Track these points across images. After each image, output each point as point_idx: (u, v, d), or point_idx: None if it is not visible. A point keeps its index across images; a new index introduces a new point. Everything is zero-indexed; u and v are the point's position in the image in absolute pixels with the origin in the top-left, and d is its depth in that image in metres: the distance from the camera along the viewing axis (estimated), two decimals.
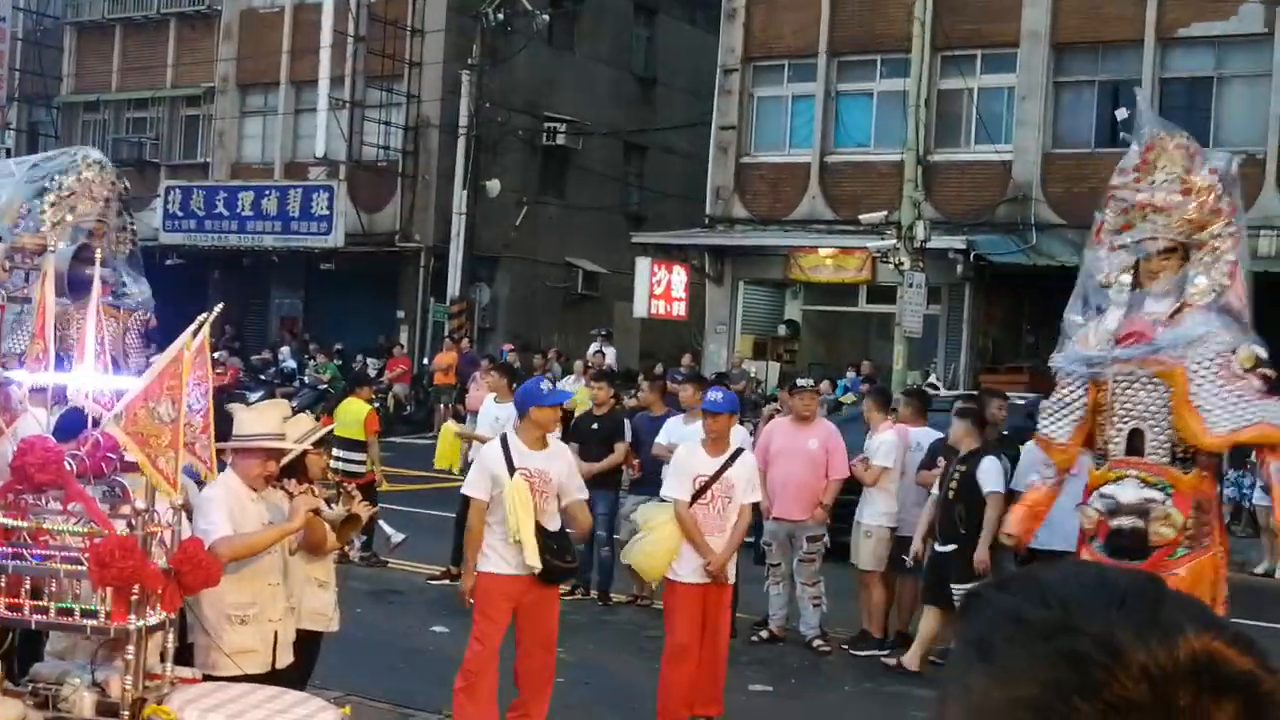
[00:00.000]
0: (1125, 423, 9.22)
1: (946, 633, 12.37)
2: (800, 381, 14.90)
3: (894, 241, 26.84)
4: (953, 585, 12.21)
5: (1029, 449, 11.57)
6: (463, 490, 10.25)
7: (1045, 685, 1.27)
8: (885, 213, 27.52)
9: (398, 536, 10.97)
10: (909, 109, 27.76)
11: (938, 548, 12.79)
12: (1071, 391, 9.46)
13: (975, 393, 17.92)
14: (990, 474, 12.54)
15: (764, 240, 31.80)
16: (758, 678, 12.52)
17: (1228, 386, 8.93)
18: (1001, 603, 1.37)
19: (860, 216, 28.08)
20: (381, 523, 10.05)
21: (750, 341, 32.86)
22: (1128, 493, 9.05)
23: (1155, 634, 1.28)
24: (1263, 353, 8.99)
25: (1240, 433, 8.98)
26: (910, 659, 12.86)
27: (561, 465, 10.09)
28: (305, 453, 8.82)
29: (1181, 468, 9.13)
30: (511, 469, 9.74)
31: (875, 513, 13.80)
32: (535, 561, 9.59)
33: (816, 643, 13.66)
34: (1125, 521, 9.04)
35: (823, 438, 13.81)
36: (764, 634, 13.87)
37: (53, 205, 10.16)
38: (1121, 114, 25.90)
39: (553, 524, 9.93)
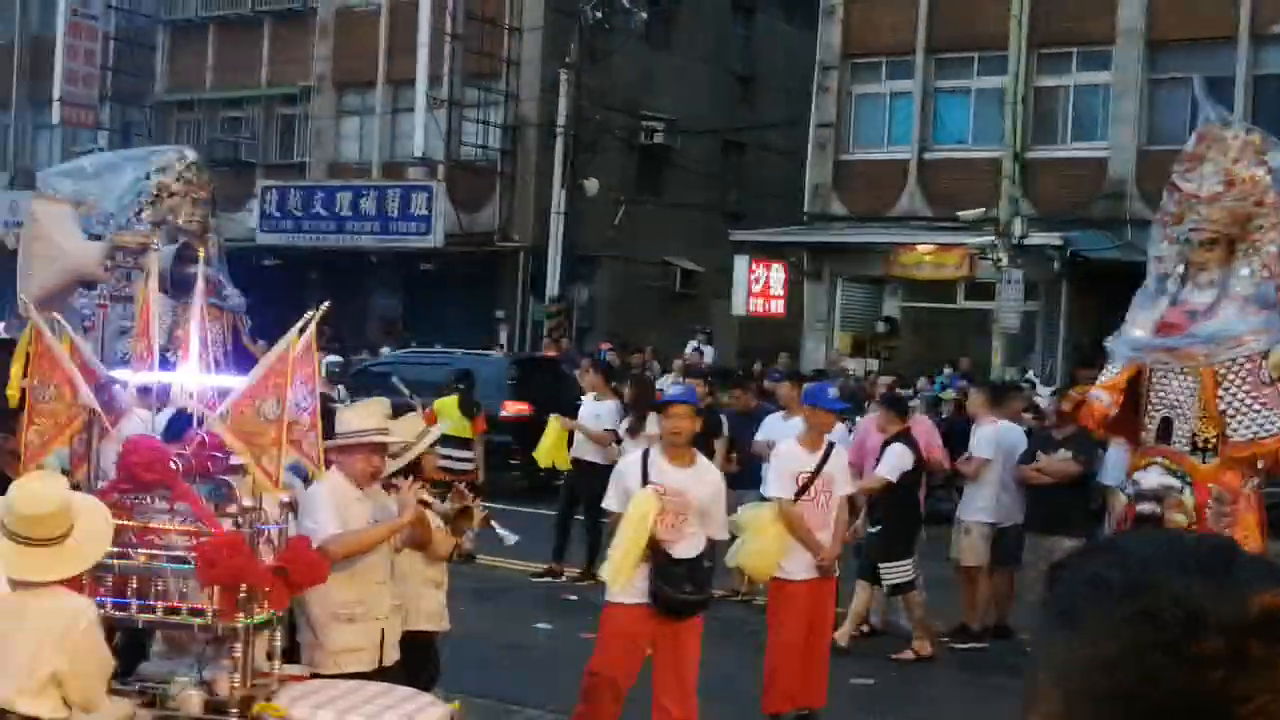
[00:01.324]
0: (1158, 411, 9.41)
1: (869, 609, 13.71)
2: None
3: (992, 238, 26.79)
4: (880, 565, 13.22)
5: (1115, 447, 11.90)
6: (604, 503, 9.87)
7: (1126, 644, 1.34)
8: (983, 209, 27.37)
9: (511, 538, 10.89)
10: (1006, 106, 27.79)
11: (869, 529, 13.36)
12: (1117, 369, 9.68)
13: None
14: (887, 459, 13.00)
15: (862, 237, 31.69)
16: (859, 670, 12.54)
17: (1254, 394, 9.07)
18: (1083, 570, 1.43)
19: (958, 213, 27.92)
20: (494, 523, 9.95)
21: (849, 339, 32.72)
22: (1150, 478, 9.24)
23: (1228, 591, 1.34)
24: None
25: (1263, 443, 9.15)
26: (840, 634, 12.92)
27: (705, 489, 9.46)
28: (421, 453, 8.87)
29: (1201, 458, 9.27)
30: (645, 482, 9.22)
31: (975, 509, 14.01)
32: (639, 584, 9.06)
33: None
34: (1146, 507, 9.19)
35: (920, 435, 13.85)
36: (865, 628, 13.80)
37: (152, 205, 10.21)
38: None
39: (683, 549, 9.22)
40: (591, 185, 35.25)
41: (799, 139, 33.76)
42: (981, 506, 13.87)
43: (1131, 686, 1.32)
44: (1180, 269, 9.45)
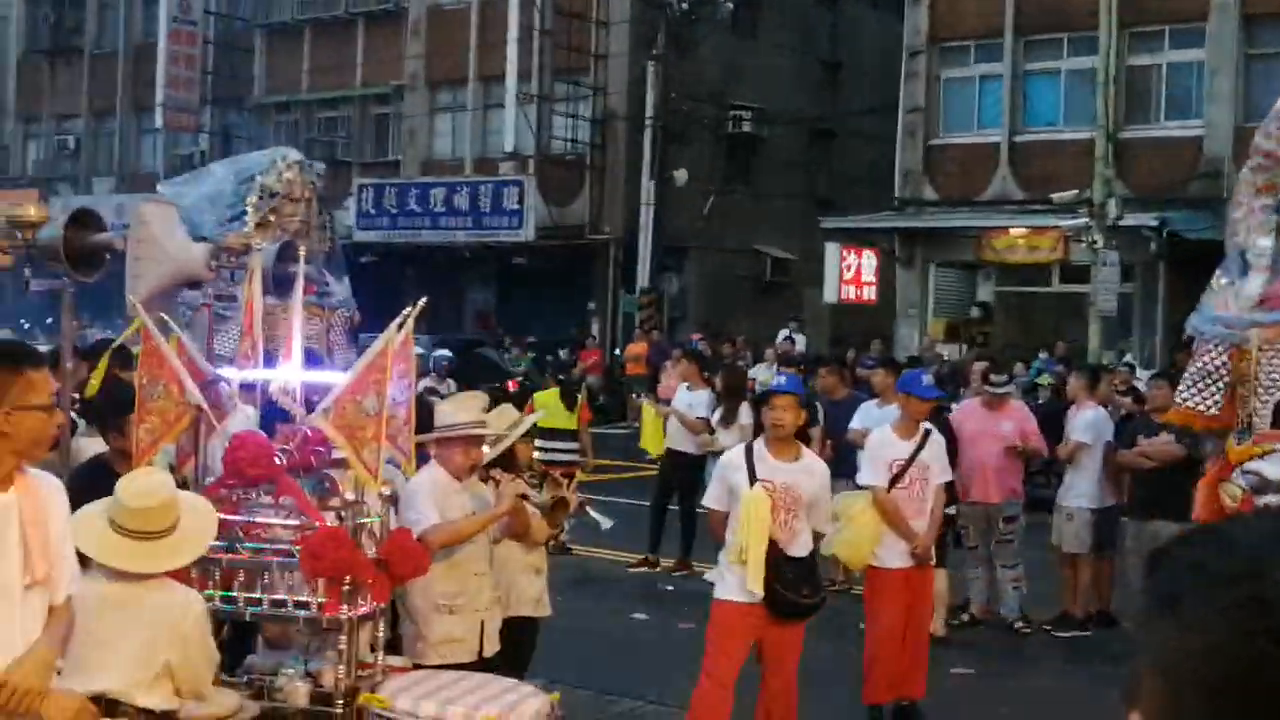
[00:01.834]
0: (1271, 393, 8.50)
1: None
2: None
3: (1086, 220, 26.51)
4: None
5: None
6: (703, 502, 9.47)
7: (1233, 631, 1.32)
8: (1076, 191, 27.10)
9: (607, 523, 10.97)
10: (1098, 86, 27.47)
11: None
12: (1214, 358, 8.70)
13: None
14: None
15: (954, 222, 31.56)
16: (960, 660, 12.45)
17: None
18: (1185, 556, 1.42)
19: (1051, 195, 27.66)
20: (590, 509, 10.01)
21: (942, 324, 32.53)
22: (1275, 468, 8.31)
23: None
24: None
25: None
26: (934, 625, 12.75)
27: (814, 482, 9.15)
28: (514, 443, 8.96)
29: None
30: (753, 479, 8.85)
31: (1076, 494, 13.87)
32: (757, 587, 8.69)
33: (1018, 625, 13.55)
34: (1273, 499, 8.27)
35: (1017, 420, 13.78)
36: (965, 617, 13.77)
37: (254, 207, 10.39)
38: None
39: (796, 548, 8.98)
40: (680, 176, 35.29)
41: (888, 124, 33.61)
42: (1083, 492, 13.75)
43: (1239, 674, 1.31)
44: (1267, 241, 8.67)
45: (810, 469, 9.17)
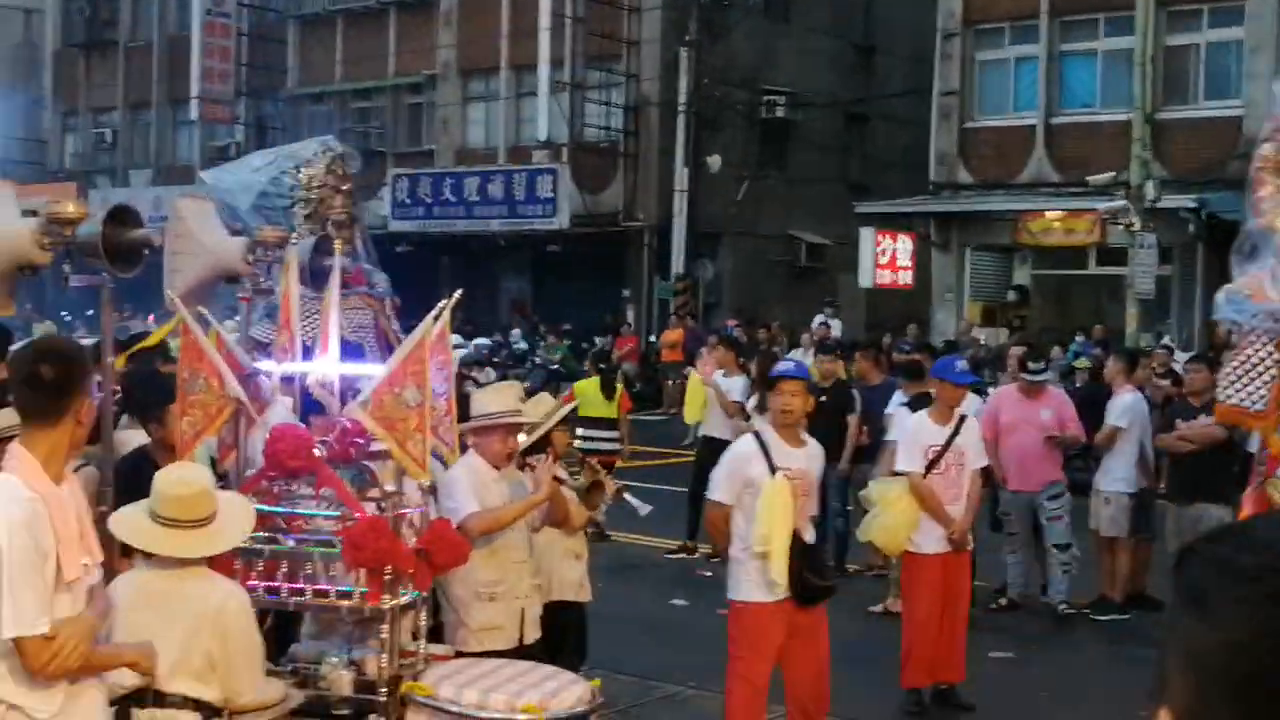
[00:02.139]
0: None
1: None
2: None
3: (1123, 202, 26.39)
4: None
5: None
6: (711, 495, 8.94)
7: (1259, 628, 1.31)
8: (1113, 173, 26.97)
9: (645, 509, 11.02)
10: (1135, 67, 27.29)
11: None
12: (1257, 350, 8.13)
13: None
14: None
15: (990, 205, 31.42)
16: (998, 644, 12.46)
17: None
18: (1212, 553, 1.41)
19: (1088, 178, 27.52)
20: (627, 495, 10.01)
21: (979, 308, 32.47)
22: None
23: None
24: None
25: None
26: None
27: (819, 468, 9.02)
28: (551, 431, 9.01)
29: None
30: (773, 468, 8.49)
31: (1113, 479, 13.84)
32: (781, 579, 8.39)
33: (1062, 607, 13.48)
34: None
35: (1055, 407, 13.71)
36: (1002, 601, 13.76)
37: (304, 199, 10.51)
38: None
39: (810, 534, 8.78)
40: (714, 162, 35.28)
41: (922, 108, 33.52)
42: (1120, 476, 13.71)
43: (1265, 671, 1.30)
44: None
45: (815, 455, 8.94)
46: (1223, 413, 8.48)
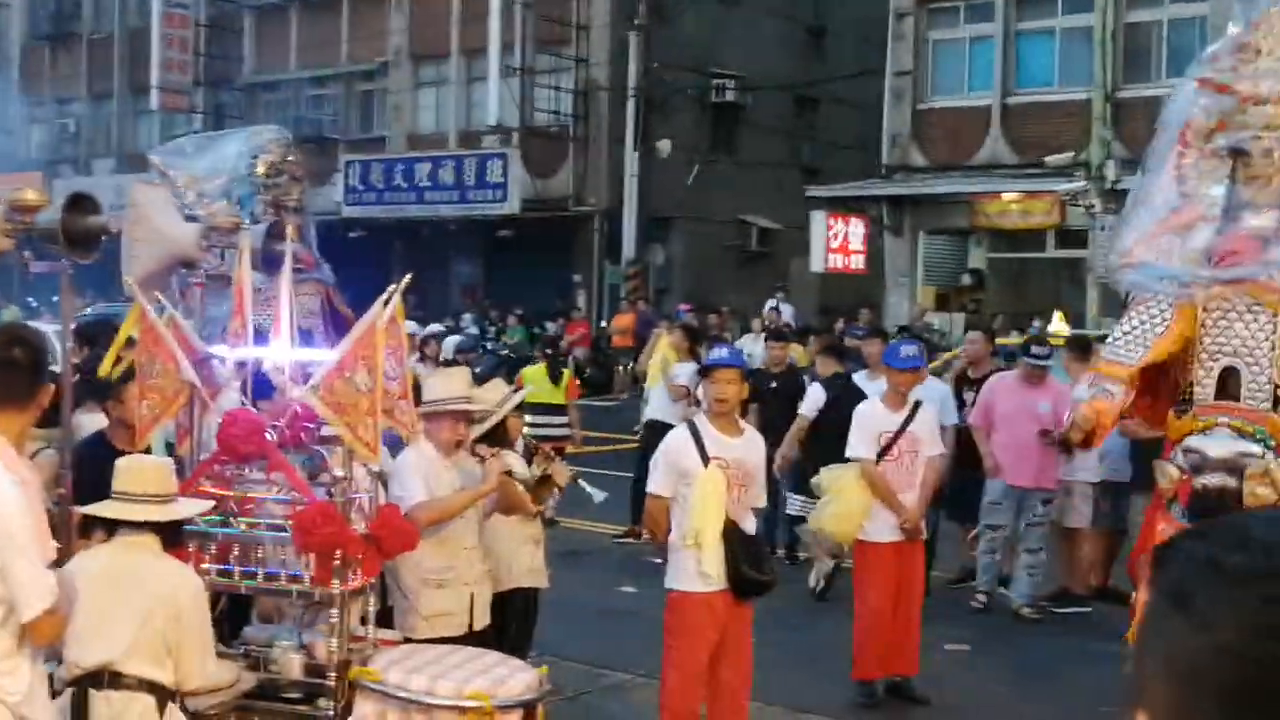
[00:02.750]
0: (1216, 360, 7.56)
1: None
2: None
3: (1083, 183, 26.19)
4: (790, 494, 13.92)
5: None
6: (649, 489, 8.75)
7: (1247, 631, 1.27)
8: (1072, 154, 26.88)
9: (599, 495, 11.03)
10: (1095, 45, 27.04)
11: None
12: (1156, 314, 7.76)
13: None
14: (806, 397, 14.04)
15: (944, 188, 31.23)
16: (954, 636, 12.33)
17: None
18: (1197, 551, 1.36)
19: (1046, 159, 27.47)
20: (582, 481, 9.99)
21: (933, 293, 32.44)
22: (1217, 445, 7.41)
23: None
24: None
25: None
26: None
27: (757, 456, 8.75)
28: (506, 417, 9.01)
29: None
30: (705, 458, 8.36)
31: (1076, 468, 13.34)
32: (714, 569, 8.30)
33: (1025, 610, 13.19)
34: (1212, 480, 7.42)
35: (1054, 401, 12.97)
36: (981, 599, 13.54)
37: (267, 187, 10.59)
38: None
39: (749, 525, 8.61)
40: (664, 146, 35.27)
41: (874, 90, 33.36)
42: (1084, 466, 13.22)
43: (1254, 675, 1.27)
44: (1218, 190, 7.68)
45: (753, 443, 8.78)
46: (1104, 365, 8.07)
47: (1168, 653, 1.34)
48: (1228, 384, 7.53)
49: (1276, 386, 7.41)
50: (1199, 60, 8.07)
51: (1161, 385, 8.01)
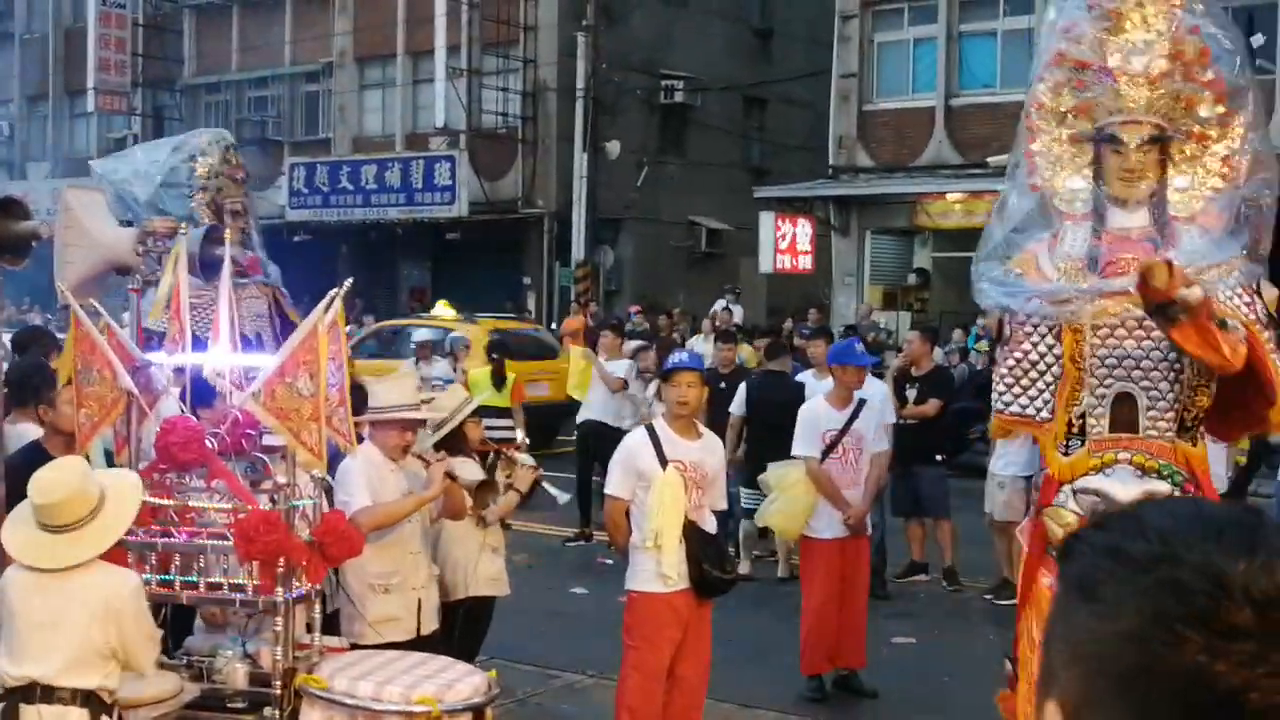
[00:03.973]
0: (1107, 386, 6.49)
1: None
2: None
3: None
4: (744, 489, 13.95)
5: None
6: (607, 490, 8.80)
7: (1150, 616, 1.30)
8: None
9: (563, 497, 11.02)
10: (1035, 46, 27.17)
11: None
12: (1037, 343, 6.68)
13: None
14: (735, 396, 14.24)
15: (890, 188, 31.41)
16: (900, 630, 12.50)
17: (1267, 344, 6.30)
18: (1099, 541, 1.39)
19: (989, 159, 27.61)
20: (545, 484, 9.94)
21: (879, 292, 32.59)
22: (1122, 487, 6.33)
23: (1255, 560, 1.30)
24: (1275, 290, 6.78)
25: None
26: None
27: (715, 460, 8.73)
28: (463, 423, 8.98)
29: (1189, 440, 6.48)
30: (663, 461, 8.39)
31: (1007, 462, 13.54)
32: (673, 571, 8.29)
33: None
34: None
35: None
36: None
37: (203, 189, 10.53)
38: (1257, 40, 25.30)
39: (708, 526, 8.61)
40: (613, 148, 35.26)
41: (821, 91, 33.52)
42: (1014, 460, 13.40)
43: (1155, 660, 1.29)
44: (1082, 183, 6.76)
45: (711, 447, 8.75)
46: (1001, 423, 7.01)
47: (1074, 640, 1.37)
48: (1122, 411, 6.49)
49: (1182, 410, 6.44)
50: (1051, 30, 7.07)
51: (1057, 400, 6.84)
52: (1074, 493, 6.51)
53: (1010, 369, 6.78)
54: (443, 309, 25.60)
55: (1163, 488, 6.31)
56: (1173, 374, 6.39)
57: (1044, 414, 6.67)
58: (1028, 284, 6.59)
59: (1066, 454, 6.64)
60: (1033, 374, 6.70)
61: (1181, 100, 6.53)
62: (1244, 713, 1.27)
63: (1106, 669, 1.33)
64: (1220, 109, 6.56)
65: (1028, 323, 6.69)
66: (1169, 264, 5.69)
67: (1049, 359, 6.64)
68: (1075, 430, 6.62)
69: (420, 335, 22.49)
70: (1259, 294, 6.46)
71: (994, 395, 6.89)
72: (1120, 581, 1.34)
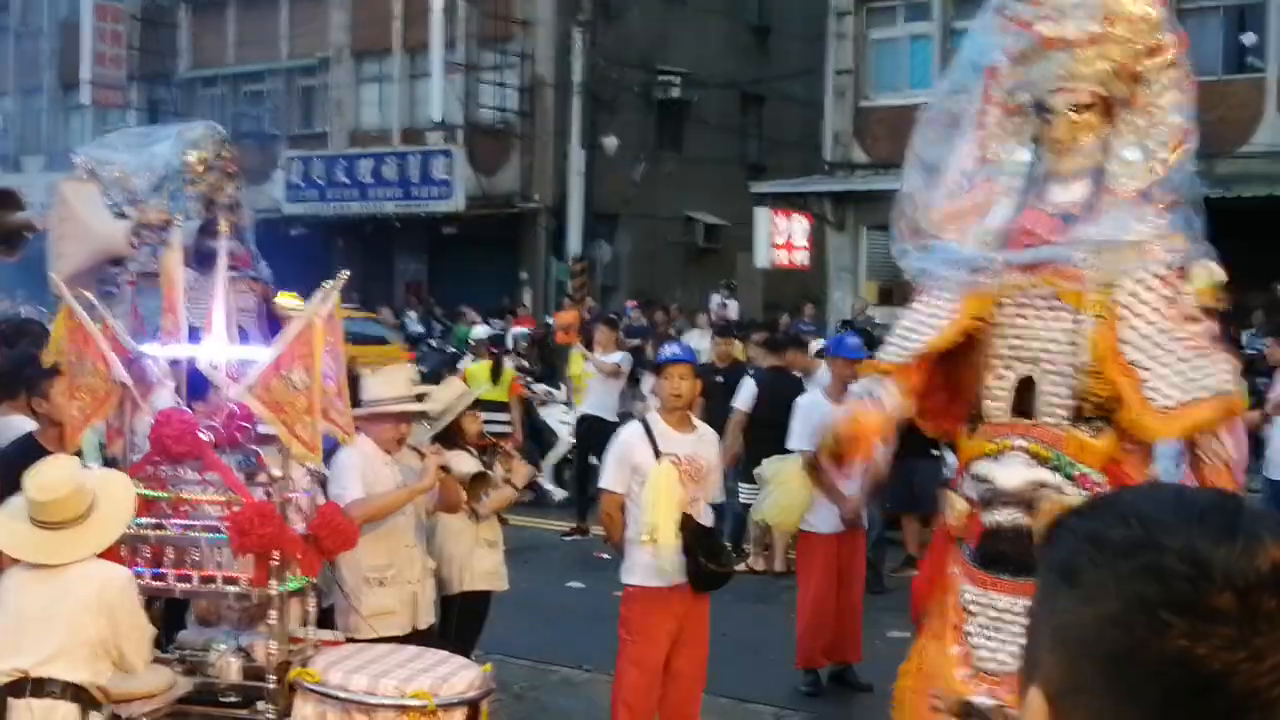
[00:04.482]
0: (1010, 368, 6.20)
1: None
2: None
3: None
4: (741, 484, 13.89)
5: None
6: (601, 484, 8.84)
7: (1131, 601, 1.32)
8: None
9: (559, 493, 11.05)
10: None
11: None
12: (943, 305, 6.36)
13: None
14: (740, 392, 14.14)
15: (886, 184, 31.16)
16: (896, 624, 12.45)
17: (1176, 334, 5.90)
18: (1081, 527, 1.41)
19: None
20: (540, 479, 9.92)
21: (875, 287, 32.56)
22: (1009, 473, 6.09)
23: (1236, 545, 1.31)
24: (1221, 274, 6.07)
25: (1196, 407, 5.87)
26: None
27: (711, 452, 8.76)
28: (460, 416, 8.97)
29: (1090, 430, 6.09)
30: (658, 454, 8.38)
31: None
32: (669, 564, 8.30)
33: None
34: (1004, 516, 6.12)
35: None
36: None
37: (193, 183, 10.51)
38: (1249, 39, 25.32)
39: (705, 518, 8.62)
40: (610, 143, 35.22)
41: (817, 88, 33.54)
42: None
43: (1137, 645, 1.31)
44: (1021, 154, 6.41)
45: (706, 439, 8.79)
46: (867, 367, 6.89)
47: (1057, 625, 1.38)
48: (1024, 396, 6.20)
49: (1080, 399, 6.09)
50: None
51: (965, 378, 6.54)
52: (970, 477, 6.29)
53: (904, 322, 6.60)
54: (286, 299, 25.40)
55: (1050, 477, 6.03)
56: (1071, 358, 6.07)
57: (903, 355, 6.42)
58: (951, 249, 6.31)
59: (970, 437, 6.41)
60: (916, 327, 6.48)
61: (1123, 65, 6.14)
62: (1225, 696, 1.28)
63: (1089, 654, 1.34)
64: (1167, 76, 6.22)
65: (937, 288, 6.40)
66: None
67: (939, 319, 6.35)
68: (976, 414, 6.38)
69: None
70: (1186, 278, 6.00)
71: (885, 345, 6.70)
72: (1102, 567, 1.35)
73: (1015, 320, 6.15)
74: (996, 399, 6.22)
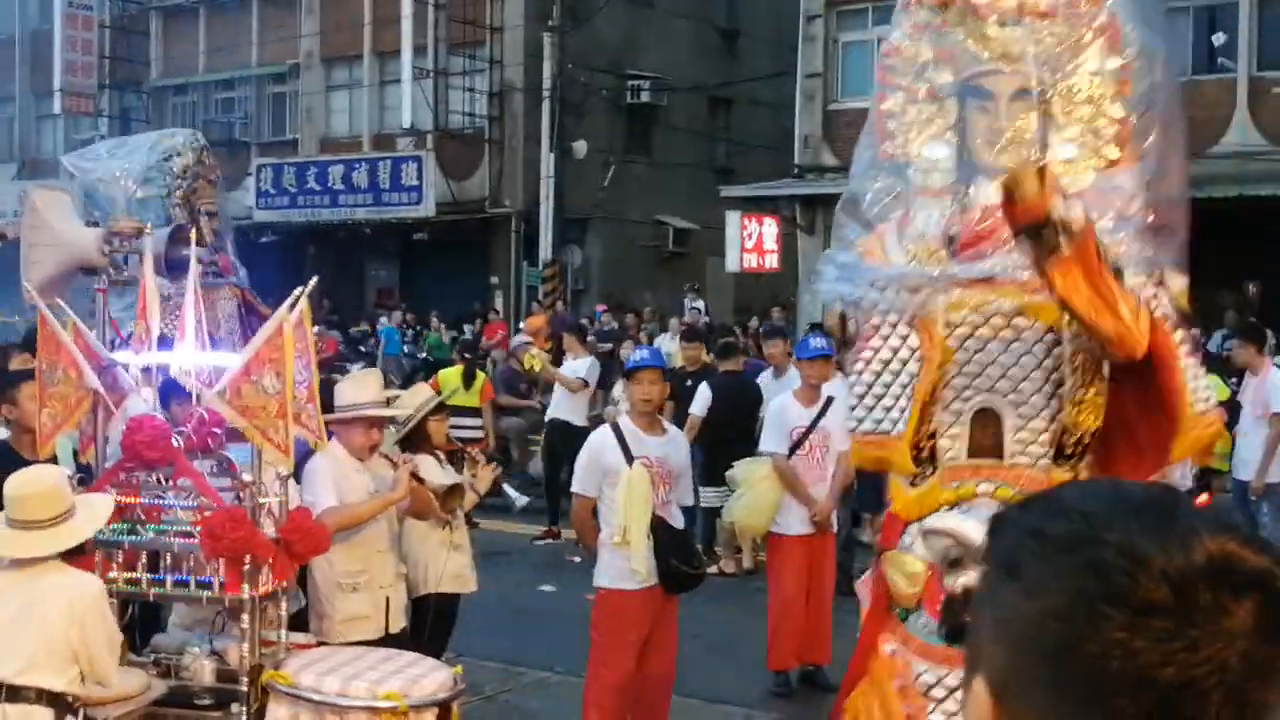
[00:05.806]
0: (965, 400, 5.23)
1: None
2: None
3: None
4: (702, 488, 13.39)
5: None
6: (573, 488, 8.88)
7: (1072, 595, 1.34)
8: None
9: (521, 500, 11.09)
10: None
11: None
12: (889, 336, 5.36)
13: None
14: (696, 397, 14.23)
15: None
16: None
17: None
18: (1023, 521, 1.44)
19: None
20: (505, 486, 9.98)
21: None
22: (980, 527, 4.54)
23: (1174, 539, 1.34)
24: (1184, 281, 5.23)
25: (1207, 419, 5.09)
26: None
27: (681, 455, 8.86)
28: (426, 421, 9.01)
29: (1071, 471, 5.11)
30: (630, 457, 8.47)
31: None
32: (642, 566, 8.39)
33: None
34: (974, 580, 4.48)
35: None
36: None
37: (180, 189, 10.56)
38: (1218, 39, 25.46)
39: (675, 522, 8.69)
40: (580, 148, 35.23)
41: (787, 91, 33.59)
42: None
43: (1077, 638, 1.33)
44: (943, 150, 5.48)
45: (677, 442, 8.90)
46: (863, 448, 5.55)
47: (1000, 618, 1.41)
48: (984, 432, 5.22)
49: (1062, 433, 5.18)
50: None
51: None
52: (923, 534, 5.16)
53: (859, 375, 5.46)
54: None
55: None
56: (1049, 385, 5.14)
57: (900, 427, 5.29)
58: (870, 266, 5.37)
59: (914, 485, 5.38)
60: (885, 377, 5.38)
61: (1065, 47, 5.31)
62: (1162, 687, 1.32)
63: (1031, 646, 1.37)
64: (1116, 61, 5.33)
65: (875, 313, 5.39)
66: (1042, 168, 4.40)
67: (903, 354, 5.33)
68: (925, 455, 5.32)
69: None
70: (1163, 285, 5.19)
71: (850, 413, 5.53)
72: (1044, 561, 1.38)
73: (967, 344, 5.20)
74: (951, 438, 5.25)
